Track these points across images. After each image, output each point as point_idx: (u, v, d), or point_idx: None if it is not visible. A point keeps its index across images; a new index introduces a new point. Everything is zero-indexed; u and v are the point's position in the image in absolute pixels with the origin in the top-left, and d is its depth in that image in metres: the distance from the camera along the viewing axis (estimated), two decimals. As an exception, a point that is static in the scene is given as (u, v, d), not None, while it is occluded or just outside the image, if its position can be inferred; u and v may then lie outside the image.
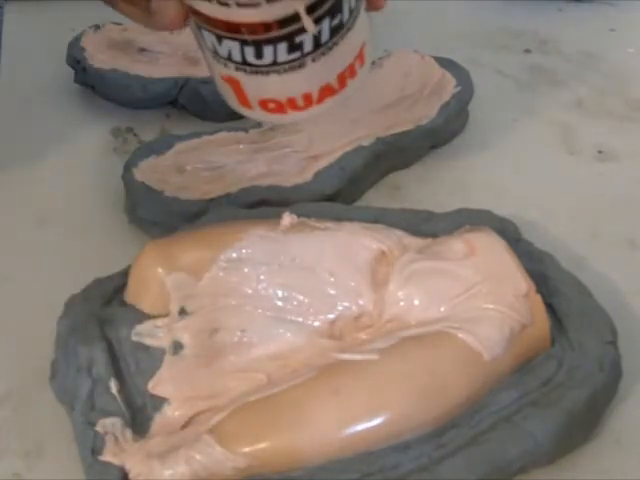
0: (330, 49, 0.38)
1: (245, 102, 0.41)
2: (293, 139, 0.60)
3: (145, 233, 0.55)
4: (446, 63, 0.67)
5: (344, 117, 0.62)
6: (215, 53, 0.39)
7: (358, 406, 0.41)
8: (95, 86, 0.68)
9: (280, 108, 0.40)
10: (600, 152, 0.64)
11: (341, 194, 0.57)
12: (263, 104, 0.40)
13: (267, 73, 0.38)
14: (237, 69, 0.39)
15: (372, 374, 0.42)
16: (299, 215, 0.50)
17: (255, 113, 0.41)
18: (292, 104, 0.40)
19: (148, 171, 0.58)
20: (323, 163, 0.58)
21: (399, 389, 0.42)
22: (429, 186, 0.61)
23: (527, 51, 0.75)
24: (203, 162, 0.59)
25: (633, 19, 0.79)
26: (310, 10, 0.36)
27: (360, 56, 0.40)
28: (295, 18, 0.36)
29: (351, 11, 0.38)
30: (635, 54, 0.75)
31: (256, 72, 0.38)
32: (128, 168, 0.58)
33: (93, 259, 0.54)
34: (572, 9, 0.81)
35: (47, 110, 0.68)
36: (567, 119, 0.67)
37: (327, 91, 0.40)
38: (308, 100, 0.40)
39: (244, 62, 0.38)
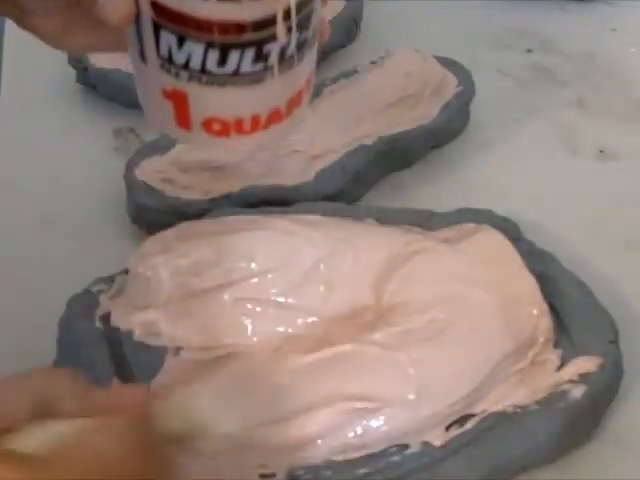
0: (290, 67, 0.37)
1: (185, 122, 0.38)
2: (295, 139, 0.60)
3: (147, 233, 0.55)
4: (447, 63, 0.67)
5: (346, 116, 0.62)
6: (167, 61, 0.36)
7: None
8: (97, 86, 0.68)
9: (225, 130, 0.38)
10: (601, 152, 0.64)
11: (343, 194, 0.57)
12: (207, 125, 0.38)
13: (224, 85, 0.36)
14: (191, 79, 0.36)
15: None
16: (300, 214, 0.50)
17: (193, 135, 0.38)
18: (238, 126, 0.38)
19: (150, 171, 0.58)
20: (324, 163, 0.58)
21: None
22: (430, 185, 0.61)
23: (529, 51, 0.75)
24: (204, 162, 0.59)
25: (635, 19, 0.79)
26: (283, 18, 0.35)
27: (308, 83, 0.39)
28: (269, 23, 0.35)
29: (314, 32, 0.37)
30: (637, 53, 0.75)
31: (212, 83, 0.36)
32: (130, 168, 0.58)
33: (94, 259, 0.54)
34: (574, 9, 0.80)
35: (49, 110, 0.68)
36: (568, 119, 0.67)
37: (275, 116, 0.38)
38: (256, 124, 0.38)
39: (202, 70, 0.36)
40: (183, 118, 0.38)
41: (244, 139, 0.38)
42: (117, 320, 0.46)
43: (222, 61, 0.36)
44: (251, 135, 0.38)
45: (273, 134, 0.39)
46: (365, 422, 0.42)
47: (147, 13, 0.35)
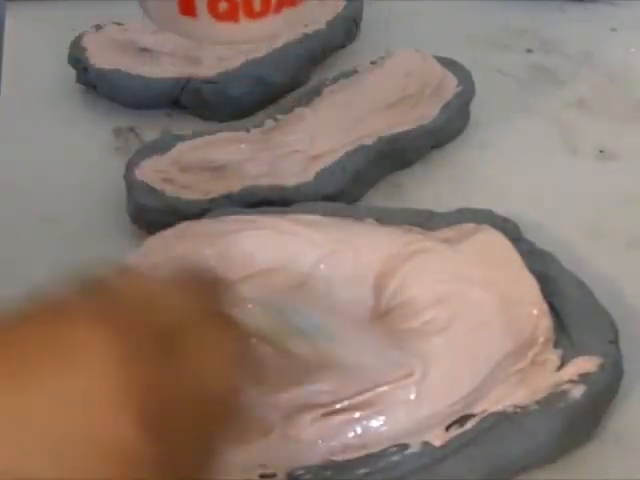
0: None
1: (190, 7, 0.35)
2: (294, 139, 0.60)
3: (147, 233, 0.55)
4: (448, 63, 0.67)
5: (346, 116, 0.62)
6: None
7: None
8: (97, 86, 0.68)
9: (233, 12, 0.35)
10: (601, 152, 0.64)
11: (343, 194, 0.57)
12: (213, 6, 0.35)
13: None
14: None
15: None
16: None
17: (199, 23, 0.36)
18: (248, 6, 0.35)
19: (150, 171, 0.58)
20: (324, 163, 0.58)
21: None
22: (430, 185, 0.61)
23: (529, 51, 0.75)
24: (204, 162, 0.59)
25: (635, 19, 0.79)
26: None
27: None
28: None
29: None
30: (637, 54, 0.75)
31: None
32: (130, 168, 0.58)
33: (94, 259, 0.54)
34: (574, 9, 0.80)
35: (49, 110, 0.68)
36: (568, 119, 0.67)
37: None
38: (267, 2, 0.35)
39: None
40: (188, 2, 0.35)
41: (254, 25, 0.36)
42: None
43: None
44: (262, 19, 0.36)
45: (286, 20, 0.37)
46: (365, 422, 0.42)
47: None
